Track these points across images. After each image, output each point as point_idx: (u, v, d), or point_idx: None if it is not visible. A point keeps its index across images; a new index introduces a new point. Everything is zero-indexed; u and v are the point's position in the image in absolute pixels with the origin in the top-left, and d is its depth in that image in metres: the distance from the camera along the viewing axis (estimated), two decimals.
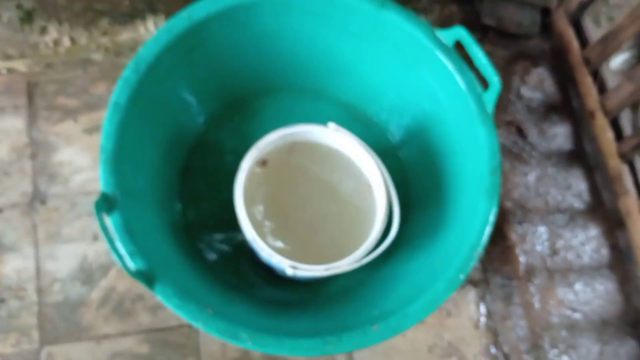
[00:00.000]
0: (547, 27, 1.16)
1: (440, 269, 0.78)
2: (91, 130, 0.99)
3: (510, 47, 1.14)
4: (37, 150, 0.98)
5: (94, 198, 0.95)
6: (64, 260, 0.93)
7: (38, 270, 0.92)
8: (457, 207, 0.85)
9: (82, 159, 0.98)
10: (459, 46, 0.85)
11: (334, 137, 0.83)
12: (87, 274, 0.93)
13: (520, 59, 1.14)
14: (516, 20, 1.12)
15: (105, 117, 0.76)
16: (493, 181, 0.80)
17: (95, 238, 0.94)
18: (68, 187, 0.96)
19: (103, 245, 0.94)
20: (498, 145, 0.81)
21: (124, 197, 0.74)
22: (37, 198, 0.95)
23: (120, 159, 0.76)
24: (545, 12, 1.15)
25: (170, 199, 0.91)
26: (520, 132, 1.08)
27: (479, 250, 0.76)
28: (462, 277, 0.76)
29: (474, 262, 0.76)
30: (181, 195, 0.93)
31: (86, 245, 0.94)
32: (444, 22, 0.86)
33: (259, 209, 0.83)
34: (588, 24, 1.10)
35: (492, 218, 0.78)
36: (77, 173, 0.97)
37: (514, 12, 1.12)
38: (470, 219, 0.80)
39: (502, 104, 1.08)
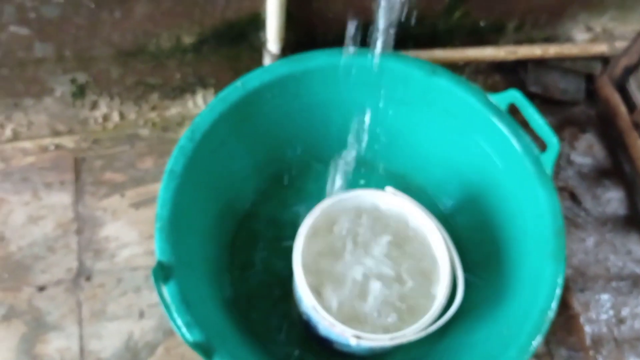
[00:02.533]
0: (592, 93, 1.16)
1: (510, 337, 0.74)
2: (138, 204, 0.98)
3: (556, 114, 1.14)
4: (83, 225, 0.96)
5: (140, 273, 0.95)
6: (108, 339, 0.89)
7: (82, 350, 0.88)
8: (521, 273, 0.82)
9: (128, 234, 0.96)
10: (511, 110, 0.84)
11: (393, 201, 0.81)
12: (133, 353, 0.89)
13: (567, 126, 1.14)
14: (561, 87, 1.14)
15: (160, 185, 0.76)
16: (558, 243, 0.77)
17: (141, 315, 0.91)
18: (114, 262, 0.94)
19: (149, 322, 0.91)
20: (560, 206, 0.79)
21: (178, 266, 0.72)
22: (82, 274, 0.93)
23: (174, 227, 0.74)
24: (590, 79, 1.17)
25: (221, 270, 0.88)
26: (574, 198, 1.06)
27: (550, 315, 0.73)
28: (534, 343, 0.72)
29: (546, 327, 0.73)
30: (230, 268, 0.91)
31: (132, 323, 0.90)
32: (490, 92, 0.88)
33: (316, 280, 0.80)
34: (634, 89, 1.10)
35: (560, 281, 0.75)
36: (124, 248, 0.95)
37: (559, 80, 1.14)
38: (537, 284, 0.77)
39: (553, 171, 1.06)
